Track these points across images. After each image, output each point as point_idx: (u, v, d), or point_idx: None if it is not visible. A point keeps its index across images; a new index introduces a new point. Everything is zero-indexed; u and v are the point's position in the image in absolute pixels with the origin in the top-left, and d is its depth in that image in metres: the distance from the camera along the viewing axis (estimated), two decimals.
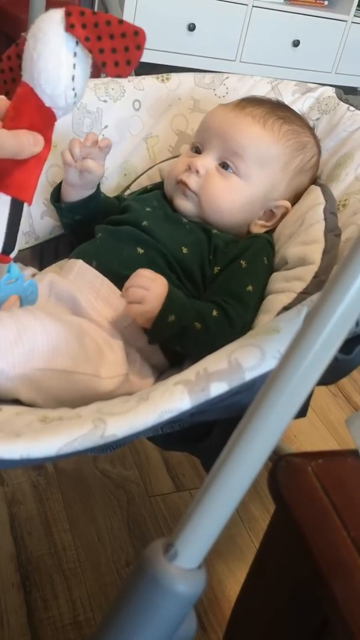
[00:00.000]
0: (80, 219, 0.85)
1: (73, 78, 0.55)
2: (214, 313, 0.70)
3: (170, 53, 2.54)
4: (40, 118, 0.57)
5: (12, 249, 0.63)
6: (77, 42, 0.54)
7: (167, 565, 0.42)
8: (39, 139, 0.58)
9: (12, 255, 0.63)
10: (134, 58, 0.53)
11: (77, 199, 0.83)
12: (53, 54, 0.54)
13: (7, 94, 0.59)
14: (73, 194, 0.83)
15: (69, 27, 0.53)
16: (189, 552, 0.42)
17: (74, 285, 0.74)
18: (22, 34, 1.18)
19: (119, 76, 0.54)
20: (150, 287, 0.68)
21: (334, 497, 0.46)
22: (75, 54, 0.54)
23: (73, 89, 0.56)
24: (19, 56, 0.57)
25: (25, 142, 0.56)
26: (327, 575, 0.43)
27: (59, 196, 0.85)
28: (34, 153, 0.58)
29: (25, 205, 0.62)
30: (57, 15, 0.54)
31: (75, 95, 0.56)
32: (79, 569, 0.88)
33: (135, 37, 0.52)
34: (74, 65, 0.54)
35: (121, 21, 0.52)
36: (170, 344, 0.70)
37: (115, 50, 0.53)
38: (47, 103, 0.56)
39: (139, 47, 0.52)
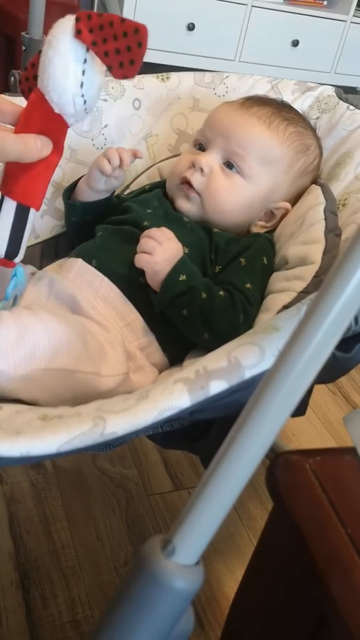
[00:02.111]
0: (90, 219, 0.85)
1: (82, 85, 0.54)
2: (221, 292, 0.72)
3: (170, 53, 2.54)
4: (51, 124, 0.57)
5: (17, 254, 0.62)
6: (87, 49, 0.53)
7: (164, 561, 0.42)
8: (47, 143, 0.57)
9: (18, 259, 0.63)
10: (137, 57, 0.52)
11: (94, 200, 0.84)
12: (61, 61, 0.53)
13: None
14: (92, 196, 0.84)
15: (77, 33, 0.52)
16: (187, 548, 0.42)
17: (73, 285, 0.74)
18: (22, 33, 1.18)
19: (125, 77, 0.53)
20: (164, 242, 0.72)
21: (331, 495, 0.46)
22: (85, 61, 0.53)
23: (82, 96, 0.55)
24: None
25: (31, 145, 0.56)
26: (325, 573, 0.43)
27: (71, 194, 0.85)
28: (40, 157, 0.57)
29: (33, 210, 0.61)
30: (68, 22, 0.53)
31: (85, 102, 0.55)
32: (78, 567, 0.88)
33: (136, 34, 0.51)
34: (83, 71, 0.54)
35: (123, 20, 0.52)
36: (177, 306, 0.71)
37: (119, 51, 0.52)
38: (56, 110, 0.55)
39: (141, 45, 0.51)
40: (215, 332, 0.69)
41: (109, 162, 0.79)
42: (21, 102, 0.59)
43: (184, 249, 0.77)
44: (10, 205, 0.60)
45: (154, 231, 0.73)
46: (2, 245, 0.61)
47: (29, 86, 0.58)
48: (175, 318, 0.71)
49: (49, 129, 0.57)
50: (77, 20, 0.52)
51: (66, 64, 0.53)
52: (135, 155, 0.82)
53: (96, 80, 0.55)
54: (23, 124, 0.57)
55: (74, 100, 0.55)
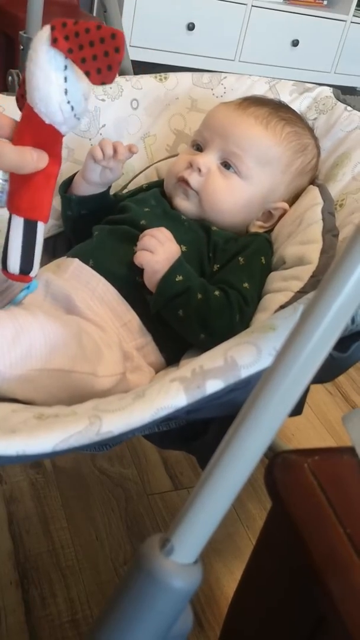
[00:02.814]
0: (85, 213, 0.85)
1: (66, 92, 0.54)
2: (217, 293, 0.72)
3: (169, 52, 2.54)
4: (44, 136, 0.57)
5: (31, 269, 0.62)
6: (65, 56, 0.53)
7: (163, 560, 0.42)
8: (43, 155, 0.57)
9: (33, 274, 0.62)
10: (114, 62, 0.51)
11: (89, 194, 0.84)
12: (42, 72, 0.53)
13: None
14: (87, 189, 0.84)
15: (53, 42, 0.52)
16: (185, 547, 0.42)
17: (69, 285, 0.74)
18: (20, 32, 1.18)
19: (103, 83, 0.53)
20: (165, 242, 0.73)
21: (330, 494, 0.47)
22: (65, 67, 0.53)
23: (68, 102, 0.55)
24: None
25: (26, 156, 0.56)
26: (324, 572, 0.43)
27: (67, 188, 0.85)
28: (37, 168, 0.57)
29: (41, 223, 0.61)
30: (45, 33, 0.53)
31: (73, 108, 0.55)
32: (77, 567, 0.88)
33: (113, 40, 0.51)
34: (65, 78, 0.53)
35: (99, 26, 0.51)
36: (173, 306, 0.71)
37: (96, 57, 0.52)
38: (47, 120, 0.55)
39: (118, 50, 0.51)
40: (212, 332, 0.69)
41: (102, 152, 0.80)
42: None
43: (181, 247, 0.77)
44: (17, 222, 0.60)
45: (155, 231, 0.73)
46: (16, 262, 0.61)
47: (24, 102, 0.58)
48: (172, 319, 0.71)
49: (43, 141, 0.57)
50: (52, 28, 0.52)
51: (47, 73, 0.53)
52: (130, 150, 0.82)
53: (79, 85, 0.54)
54: (17, 140, 0.57)
55: (61, 108, 0.55)
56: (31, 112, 0.55)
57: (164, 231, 0.74)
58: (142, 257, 0.72)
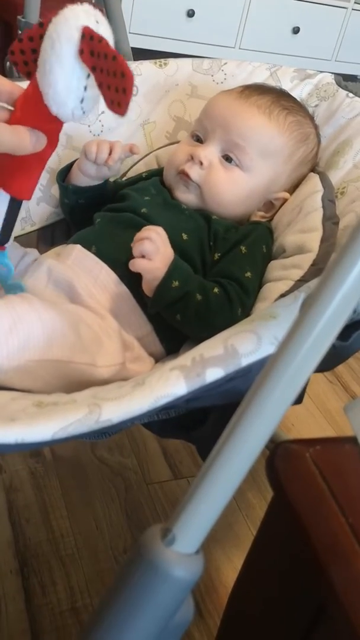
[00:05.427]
0: (82, 202, 0.84)
1: (82, 100, 0.53)
2: (215, 290, 0.70)
3: (169, 39, 2.51)
4: (47, 122, 0.56)
5: (8, 240, 0.63)
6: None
7: (164, 550, 0.42)
8: (42, 138, 0.56)
9: (8, 245, 0.64)
10: (123, 101, 0.50)
11: (86, 185, 0.83)
12: (64, 75, 0.51)
13: (29, 75, 0.56)
14: (84, 180, 0.83)
15: (80, 53, 0.50)
16: (187, 537, 0.42)
17: (72, 271, 0.73)
18: (18, 17, 1.16)
19: (117, 114, 0.51)
20: (161, 248, 0.68)
21: (332, 484, 0.46)
22: (88, 76, 0.52)
23: (82, 109, 0.54)
24: (42, 38, 0.53)
25: (25, 139, 0.55)
26: (325, 561, 0.43)
27: (65, 176, 0.85)
28: (34, 151, 0.56)
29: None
30: (74, 30, 0.50)
31: (84, 112, 0.54)
32: (77, 555, 0.88)
33: (122, 79, 0.50)
34: (85, 87, 0.52)
35: (115, 57, 0.50)
36: (172, 311, 0.70)
37: (110, 87, 0.51)
38: (54, 113, 0.54)
39: (125, 91, 0.50)
40: (214, 330, 0.68)
41: (95, 153, 0.79)
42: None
43: (182, 236, 0.76)
44: (3, 197, 0.59)
45: (154, 234, 0.69)
46: None
47: (25, 60, 0.56)
48: (171, 320, 0.71)
49: (44, 126, 0.56)
50: (82, 37, 0.50)
51: (69, 80, 0.51)
52: (131, 151, 0.81)
53: (96, 95, 0.53)
54: (18, 116, 0.56)
55: (73, 113, 0.54)
56: (38, 96, 0.54)
57: (162, 234, 0.70)
58: (139, 265, 0.68)
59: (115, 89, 0.50)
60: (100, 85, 0.51)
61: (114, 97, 0.51)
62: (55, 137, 0.58)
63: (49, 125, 0.56)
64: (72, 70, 0.51)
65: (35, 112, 0.55)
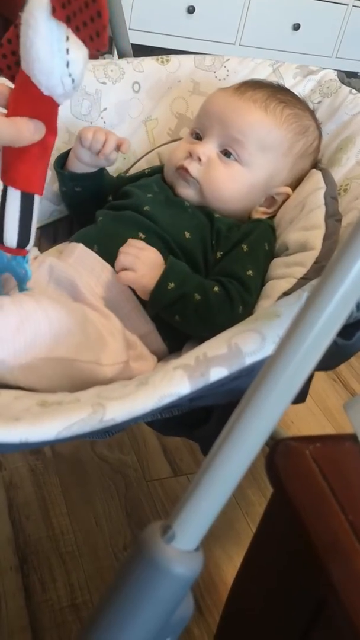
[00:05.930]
0: (80, 191, 0.84)
1: (68, 64, 0.52)
2: (215, 289, 0.70)
3: (169, 36, 2.50)
4: (41, 107, 0.55)
5: (28, 242, 0.61)
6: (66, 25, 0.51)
7: (164, 547, 0.42)
8: (40, 126, 0.56)
9: (29, 248, 0.62)
10: (100, 27, 0.49)
11: (82, 172, 0.83)
12: (44, 43, 0.51)
13: (13, 78, 0.56)
14: (80, 167, 0.83)
15: (53, 11, 0.50)
16: (187, 534, 0.42)
17: (73, 270, 0.73)
18: (20, 13, 1.16)
19: (98, 50, 0.51)
20: (140, 254, 0.70)
21: (331, 481, 0.46)
22: (67, 38, 0.51)
23: (70, 75, 0.53)
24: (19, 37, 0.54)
25: (23, 129, 0.54)
26: (325, 558, 0.43)
27: (63, 164, 0.85)
28: (33, 141, 0.56)
29: (37, 196, 0.60)
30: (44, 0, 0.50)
31: (74, 80, 0.53)
32: (77, 552, 0.88)
33: (94, 3, 0.48)
34: (67, 50, 0.51)
35: None
36: (170, 313, 0.70)
37: (86, 23, 0.49)
38: (45, 92, 0.54)
39: (100, 14, 0.49)
40: (215, 330, 0.68)
41: (90, 141, 0.79)
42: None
43: (185, 234, 0.76)
44: (14, 195, 0.59)
45: (125, 247, 0.71)
46: (13, 235, 0.60)
47: (7, 64, 0.56)
48: (171, 321, 0.71)
49: (40, 112, 0.55)
50: None
51: (49, 44, 0.51)
52: (119, 148, 0.81)
53: (81, 56, 0.52)
54: (12, 110, 0.56)
55: (63, 81, 0.53)
56: (27, 81, 0.54)
57: (135, 242, 0.72)
58: (125, 279, 0.69)
59: (90, 18, 0.49)
60: (77, 30, 0.50)
61: (91, 31, 0.50)
62: (54, 123, 0.58)
63: (44, 108, 0.55)
64: (50, 32, 0.51)
65: (27, 98, 0.55)
